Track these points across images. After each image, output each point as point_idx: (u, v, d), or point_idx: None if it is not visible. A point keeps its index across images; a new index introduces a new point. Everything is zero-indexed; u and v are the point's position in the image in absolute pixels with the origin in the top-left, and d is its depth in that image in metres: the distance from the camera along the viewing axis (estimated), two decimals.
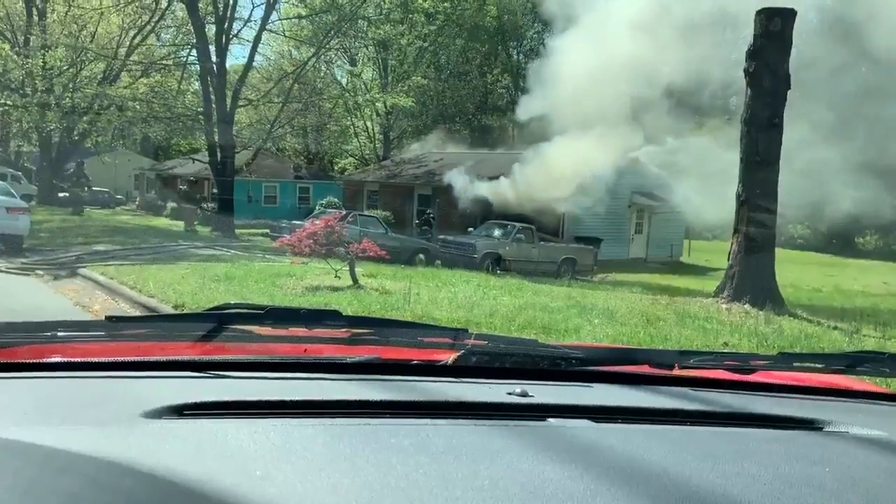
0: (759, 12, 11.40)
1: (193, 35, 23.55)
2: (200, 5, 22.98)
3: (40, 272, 12.05)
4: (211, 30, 23.28)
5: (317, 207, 26.10)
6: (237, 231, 22.93)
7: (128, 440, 0.86)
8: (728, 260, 11.85)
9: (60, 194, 31.39)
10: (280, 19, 28.16)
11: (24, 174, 34.40)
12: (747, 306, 10.75)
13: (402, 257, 16.81)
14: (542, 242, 20.24)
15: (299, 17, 27.35)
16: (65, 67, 25.50)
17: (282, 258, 14.06)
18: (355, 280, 10.69)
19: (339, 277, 10.81)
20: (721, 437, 1.07)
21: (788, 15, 11.33)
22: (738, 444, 1.03)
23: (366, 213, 23.25)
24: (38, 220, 18.93)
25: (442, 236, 20.71)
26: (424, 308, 9.02)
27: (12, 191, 15.98)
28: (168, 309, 8.57)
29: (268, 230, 22.53)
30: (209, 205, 23.86)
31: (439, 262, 18.05)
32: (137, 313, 8.89)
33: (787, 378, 1.50)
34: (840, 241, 34.65)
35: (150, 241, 18.42)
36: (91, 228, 21.11)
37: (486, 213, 23.04)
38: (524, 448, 0.92)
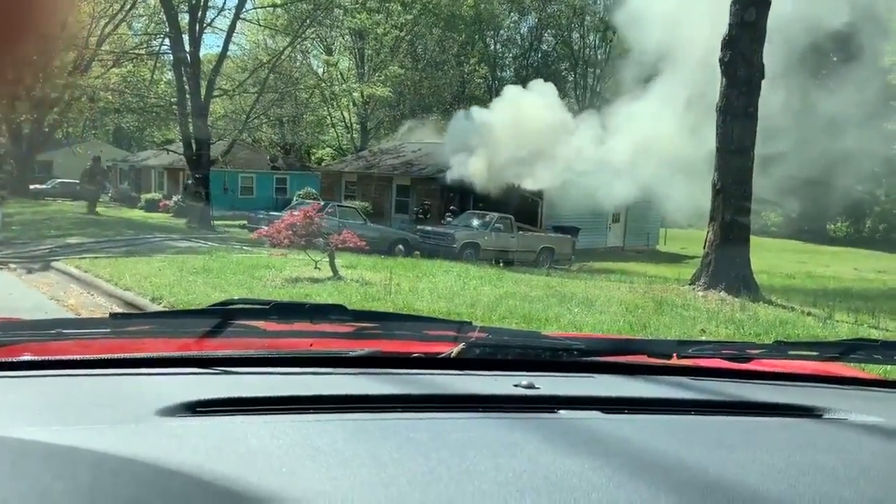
0: (734, 2, 11.50)
1: (166, 24, 23.15)
2: None
3: (13, 265, 11.84)
4: (184, 19, 22.88)
5: (294, 198, 25.93)
6: (213, 222, 22.68)
7: (147, 439, 0.86)
8: (704, 248, 11.99)
9: (32, 186, 30.88)
10: (255, 8, 27.81)
11: None
12: (723, 293, 10.90)
13: (382, 248, 16.78)
14: (520, 232, 20.34)
15: (274, 5, 27.01)
16: (34, 57, 24.91)
17: (260, 250, 13.96)
18: (335, 271, 10.65)
19: (319, 269, 10.76)
20: (730, 426, 1.10)
21: (763, 5, 11.45)
22: (747, 433, 1.06)
23: (344, 203, 23.13)
24: (9, 212, 18.59)
25: (420, 227, 20.74)
26: (405, 299, 9.02)
27: None
28: (146, 302, 8.47)
29: (245, 221, 22.32)
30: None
31: (418, 252, 18.06)
32: (114, 307, 8.78)
33: (782, 366, 1.53)
34: (812, 228, 35.25)
35: (124, 234, 18.17)
36: (64, 221, 20.76)
37: (465, 203, 23.10)
38: (541, 440, 0.93)
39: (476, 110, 24.33)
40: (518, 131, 20.79)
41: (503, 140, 21.01)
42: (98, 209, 24.50)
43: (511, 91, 24.75)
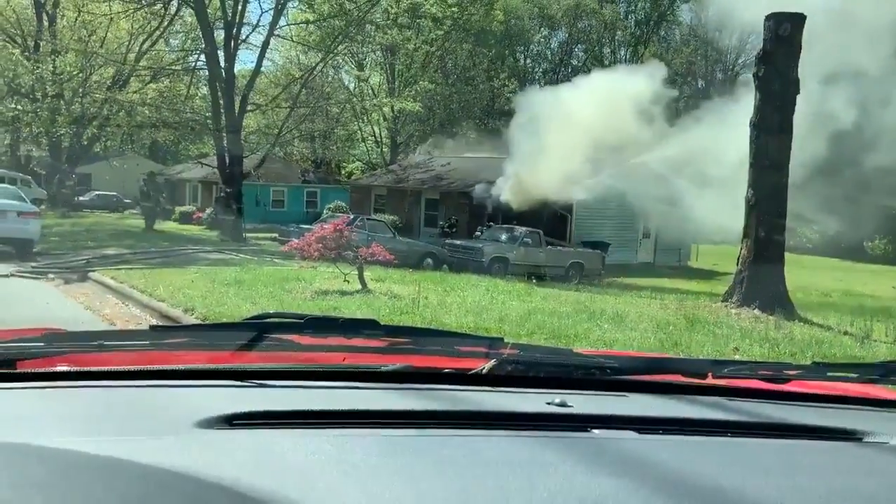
0: (768, 17, 11.40)
1: (202, 40, 23.65)
2: (209, 11, 23.08)
3: (51, 276, 12.11)
4: (220, 35, 23.37)
5: (324, 212, 26.18)
6: (245, 235, 23.00)
7: (188, 451, 0.87)
8: (737, 264, 11.81)
9: (77, 198, 31.74)
10: (288, 24, 28.27)
11: (34, 178, 34.64)
12: (757, 311, 10.71)
13: (410, 261, 16.82)
14: (549, 247, 20.24)
15: (307, 22, 27.42)
16: (75, 72, 25.63)
17: (290, 262, 14.09)
18: (364, 284, 10.71)
19: (349, 282, 10.82)
20: (768, 449, 1.08)
21: (798, 20, 11.33)
22: (785, 456, 1.04)
23: (374, 217, 23.28)
24: (48, 224, 19.04)
25: (449, 241, 20.75)
26: (433, 313, 9.02)
27: (22, 195, 16.09)
28: (178, 313, 8.59)
29: (276, 234, 22.57)
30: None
31: (447, 266, 18.07)
32: (148, 317, 8.93)
33: (821, 388, 1.50)
34: (849, 245, 34.50)
35: (159, 245, 18.49)
36: (100, 232, 21.21)
37: (494, 217, 23.09)
38: (575, 460, 0.93)
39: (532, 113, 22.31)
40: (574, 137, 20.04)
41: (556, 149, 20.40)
42: (127, 220, 24.80)
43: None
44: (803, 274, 19.75)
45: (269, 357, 1.38)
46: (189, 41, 28.90)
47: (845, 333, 9.69)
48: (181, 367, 1.24)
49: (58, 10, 27.73)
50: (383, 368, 1.31)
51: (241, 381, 1.21)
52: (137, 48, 27.65)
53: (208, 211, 29.03)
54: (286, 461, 0.87)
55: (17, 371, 1.19)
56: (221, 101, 22.89)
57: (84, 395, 1.12)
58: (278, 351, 1.38)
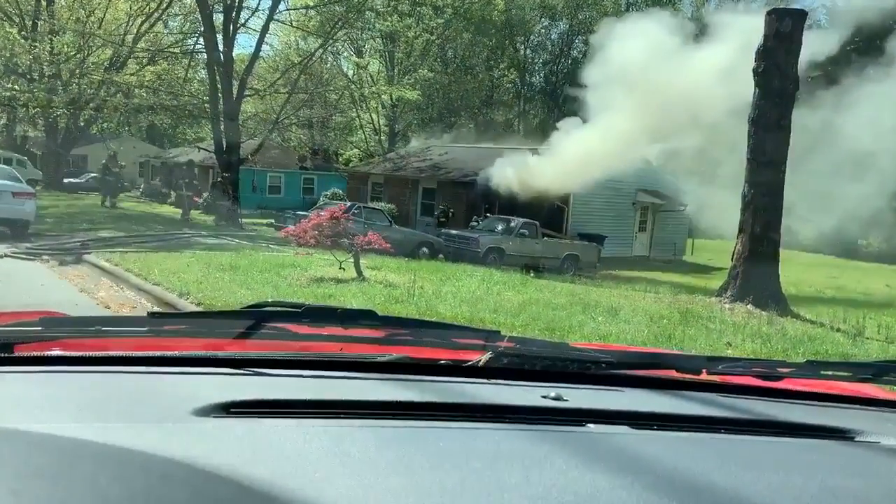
0: (769, 13, 11.39)
1: (201, 23, 23.49)
2: None
3: (46, 257, 12.08)
4: (219, 18, 23.21)
5: (321, 199, 26.13)
6: (241, 220, 22.95)
7: (185, 439, 0.87)
8: (732, 260, 11.86)
9: (66, 180, 31.42)
10: (288, 9, 28.11)
11: (30, 159, 34.43)
12: (750, 306, 10.76)
13: (406, 250, 16.82)
14: (545, 238, 20.25)
15: (307, 7, 27.25)
16: (72, 53, 25.43)
17: (286, 249, 14.09)
18: (360, 272, 10.71)
19: (344, 269, 10.83)
20: (760, 446, 1.09)
21: (799, 16, 11.32)
22: (778, 454, 1.05)
23: (370, 205, 23.25)
24: (43, 205, 18.96)
25: (445, 230, 20.73)
26: (429, 302, 9.03)
27: (18, 175, 16.01)
28: (174, 298, 8.58)
29: (272, 220, 22.53)
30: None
31: (442, 255, 18.07)
32: (143, 301, 8.92)
33: (814, 386, 1.51)
34: (843, 243, 34.57)
35: (154, 229, 18.45)
36: (96, 214, 21.15)
37: (491, 207, 23.08)
38: (570, 454, 0.93)
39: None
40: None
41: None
42: (123, 203, 24.42)
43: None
44: (797, 270, 19.82)
45: (267, 345, 1.38)
46: (188, 24, 28.65)
47: (838, 330, 9.74)
48: (178, 353, 1.24)
49: None
50: (380, 359, 1.31)
51: (239, 369, 1.21)
52: (136, 30, 27.42)
53: (204, 195, 28.96)
54: (282, 450, 0.87)
55: (15, 355, 1.19)
56: (219, 86, 22.76)
57: (81, 380, 1.12)
58: (276, 339, 1.38)
